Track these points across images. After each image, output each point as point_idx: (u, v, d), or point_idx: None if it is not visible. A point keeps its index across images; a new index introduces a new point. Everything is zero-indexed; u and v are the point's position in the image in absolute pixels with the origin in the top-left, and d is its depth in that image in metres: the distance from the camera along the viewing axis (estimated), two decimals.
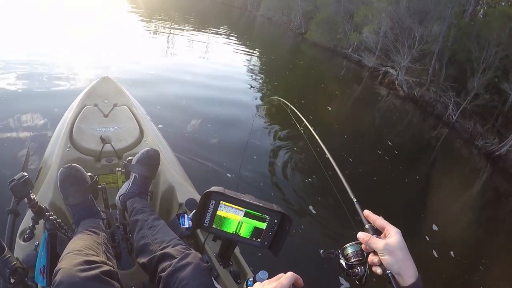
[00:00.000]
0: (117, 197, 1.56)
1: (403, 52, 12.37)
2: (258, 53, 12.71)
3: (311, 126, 1.43)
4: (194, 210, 1.43)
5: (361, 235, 0.71)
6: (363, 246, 0.71)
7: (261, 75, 9.19)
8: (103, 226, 1.36)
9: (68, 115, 2.21)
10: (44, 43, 6.96)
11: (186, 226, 1.41)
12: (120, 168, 1.74)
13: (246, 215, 1.03)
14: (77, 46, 7.40)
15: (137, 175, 1.53)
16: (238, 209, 1.02)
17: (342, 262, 0.74)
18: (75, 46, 7.38)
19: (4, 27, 7.59)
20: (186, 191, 1.66)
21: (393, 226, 0.69)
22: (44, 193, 1.49)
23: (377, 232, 0.71)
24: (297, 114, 1.72)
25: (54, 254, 1.14)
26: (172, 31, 13.27)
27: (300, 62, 14.28)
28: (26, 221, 1.30)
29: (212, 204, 1.02)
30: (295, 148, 4.50)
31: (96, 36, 9.28)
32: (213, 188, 1.02)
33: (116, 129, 2.07)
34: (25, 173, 1.07)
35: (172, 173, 1.80)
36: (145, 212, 1.37)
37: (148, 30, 12.42)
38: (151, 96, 5.03)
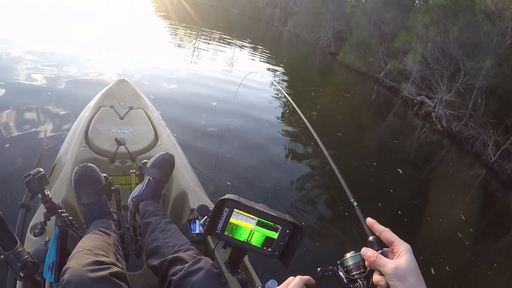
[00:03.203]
0: (129, 199, 1.66)
1: (445, 85, 12.23)
2: (286, 72, 12.93)
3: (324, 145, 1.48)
4: (206, 217, 1.52)
5: (365, 252, 0.65)
6: (366, 263, 0.66)
7: (287, 93, 9.31)
8: (114, 227, 1.44)
9: (84, 115, 2.37)
10: (67, 42, 7.51)
11: (197, 232, 1.49)
12: (134, 170, 1.84)
13: (259, 224, 1.08)
14: (100, 48, 7.94)
15: (151, 178, 1.62)
16: (251, 217, 1.08)
17: (342, 274, 0.69)
18: (98, 47, 7.93)
19: (32, 26, 8.19)
20: (198, 197, 1.77)
21: (403, 242, 0.64)
22: (57, 190, 1.59)
23: (383, 246, 0.66)
24: (309, 129, 1.78)
25: (63, 251, 1.21)
26: (197, 40, 13.96)
27: (329, 83, 14.46)
28: (38, 216, 1.39)
29: (225, 211, 1.08)
30: (309, 167, 4.59)
31: (122, 39, 10.02)
32: (228, 196, 1.08)
33: (131, 131, 2.20)
34: (41, 169, 1.15)
35: (185, 179, 1.91)
36: (157, 215, 1.45)
37: (174, 38, 13.17)
38: (169, 102, 5.29)
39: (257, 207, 1.08)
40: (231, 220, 1.08)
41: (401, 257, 0.61)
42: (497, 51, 10.87)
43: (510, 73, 10.97)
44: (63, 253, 1.20)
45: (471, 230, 4.99)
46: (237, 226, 1.09)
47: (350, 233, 3.09)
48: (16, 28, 7.63)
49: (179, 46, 11.66)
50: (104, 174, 1.53)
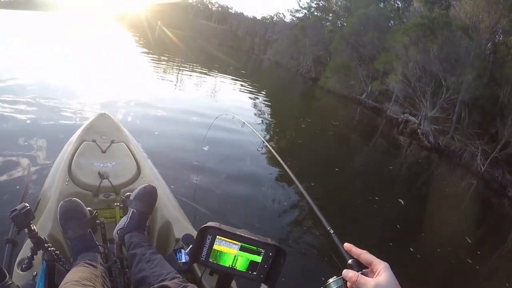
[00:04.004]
0: (115, 232, 1.68)
1: (428, 101, 12.65)
2: (270, 101, 13.15)
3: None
4: (191, 245, 1.55)
5: (347, 273, 0.69)
6: (348, 284, 0.70)
7: (270, 120, 9.58)
8: (101, 260, 1.46)
9: (67, 149, 2.41)
10: (48, 75, 7.62)
11: (183, 261, 1.53)
12: (118, 203, 1.88)
13: (242, 249, 1.12)
14: (81, 81, 8.04)
15: (135, 210, 1.66)
16: (233, 243, 1.12)
17: None
18: (79, 80, 8.04)
19: (13, 57, 8.31)
20: (182, 227, 1.82)
21: (381, 261, 0.68)
22: (43, 225, 1.61)
23: (363, 267, 0.70)
24: (276, 157, 1.89)
25: (52, 285, 1.23)
26: (178, 72, 14.21)
27: (315, 110, 14.80)
28: (25, 251, 1.41)
29: (208, 239, 1.12)
30: (289, 197, 4.67)
31: (103, 72, 10.09)
32: (210, 223, 1.12)
33: (114, 165, 2.24)
34: (26, 204, 1.19)
35: (169, 209, 1.97)
36: (143, 246, 1.49)
37: (155, 70, 13.38)
38: (151, 134, 5.34)
39: (238, 233, 1.11)
40: (215, 247, 1.11)
41: (380, 275, 0.65)
42: (476, 64, 11.42)
43: (489, 83, 11.48)
44: (52, 287, 1.21)
45: (469, 241, 5.08)
46: (221, 252, 1.12)
47: (330, 258, 3.17)
48: None
49: (160, 79, 11.79)
50: (89, 208, 1.56)
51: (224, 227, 1.11)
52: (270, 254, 1.13)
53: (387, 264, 0.67)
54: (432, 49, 12.08)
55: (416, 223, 5.12)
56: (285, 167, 1.70)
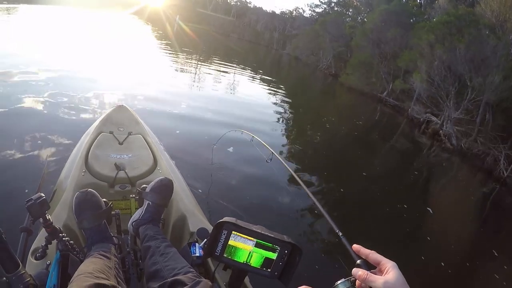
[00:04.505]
0: (129, 223, 1.70)
1: (452, 102, 12.29)
2: (288, 94, 13.16)
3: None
4: (205, 239, 1.56)
5: (356, 272, 0.71)
6: (357, 283, 0.72)
7: (291, 119, 9.58)
8: (115, 251, 1.47)
9: (84, 140, 2.46)
10: (68, 67, 7.78)
11: (197, 254, 1.53)
12: (133, 195, 1.90)
13: (257, 245, 1.11)
14: (101, 73, 8.24)
15: (150, 203, 1.68)
16: (249, 239, 1.11)
17: None
18: (98, 72, 8.21)
19: (34, 49, 8.60)
20: (197, 220, 1.82)
21: (389, 260, 0.70)
22: (58, 215, 1.64)
23: (371, 267, 0.72)
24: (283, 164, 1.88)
25: (65, 274, 1.25)
26: (197, 66, 14.37)
27: (333, 106, 14.68)
28: (39, 240, 1.43)
29: (224, 234, 1.11)
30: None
31: (120, 65, 10.30)
32: (226, 219, 1.11)
33: (131, 157, 2.27)
34: (42, 194, 1.20)
35: (185, 202, 1.98)
36: (157, 239, 1.50)
37: (175, 64, 13.56)
38: (168, 126, 5.45)
39: (254, 229, 1.11)
40: (230, 242, 1.11)
41: (389, 273, 0.67)
42: (503, 65, 11.02)
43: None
44: (64, 277, 1.23)
45: (490, 248, 4.94)
46: (235, 248, 1.12)
47: (338, 260, 3.17)
48: (18, 51, 7.93)
49: (179, 73, 11.94)
50: (104, 199, 1.58)
51: (240, 222, 1.11)
52: (286, 251, 1.12)
53: (395, 263, 0.69)
54: (458, 48, 11.67)
55: (434, 228, 5.01)
56: (292, 172, 1.67)
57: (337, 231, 0.85)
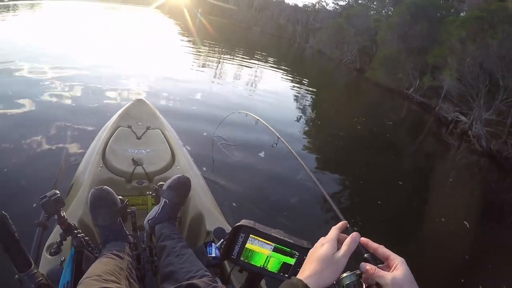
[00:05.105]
0: (145, 221, 1.70)
1: (483, 101, 11.83)
2: (313, 90, 12.98)
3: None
4: (222, 240, 1.53)
5: (364, 266, 0.70)
6: (363, 277, 0.70)
7: (313, 114, 9.50)
8: (129, 250, 1.47)
9: (102, 135, 2.48)
10: (91, 60, 8.04)
11: (213, 255, 1.50)
12: (150, 192, 1.89)
13: (275, 250, 1.08)
14: (122, 67, 8.41)
15: (167, 201, 1.66)
16: (267, 243, 1.08)
17: None
18: (118, 66, 8.42)
19: (56, 44, 8.83)
20: (214, 219, 1.80)
21: (397, 256, 0.69)
22: (74, 210, 1.66)
23: (379, 262, 0.71)
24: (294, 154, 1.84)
25: (79, 271, 1.26)
26: (219, 60, 14.49)
27: (361, 103, 14.48)
28: (54, 236, 1.44)
29: (241, 237, 1.09)
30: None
31: (141, 58, 10.52)
32: (244, 222, 1.09)
33: (148, 152, 2.27)
34: (57, 191, 1.21)
35: (202, 200, 1.95)
36: (173, 239, 1.48)
37: (196, 57, 13.73)
38: (187, 120, 5.46)
39: (273, 234, 1.08)
40: (247, 245, 1.09)
41: (397, 269, 0.66)
42: None
43: None
44: (78, 274, 1.23)
45: None
46: (253, 251, 1.09)
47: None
48: (43, 45, 8.16)
49: (200, 67, 12.04)
50: (120, 197, 1.58)
51: (258, 226, 1.09)
52: (305, 257, 1.09)
53: (403, 259, 0.68)
54: (491, 45, 11.21)
55: (459, 235, 4.86)
56: (304, 165, 1.62)
57: (341, 216, 0.81)
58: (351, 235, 0.72)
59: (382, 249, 0.71)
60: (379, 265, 0.70)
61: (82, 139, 3.92)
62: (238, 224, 1.08)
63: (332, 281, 0.68)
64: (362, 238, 0.74)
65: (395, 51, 19.48)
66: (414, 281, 0.66)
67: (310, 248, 1.07)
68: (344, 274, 0.72)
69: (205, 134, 5.14)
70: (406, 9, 19.08)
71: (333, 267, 0.69)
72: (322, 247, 0.72)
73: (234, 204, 3.54)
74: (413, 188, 6.09)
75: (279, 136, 3.11)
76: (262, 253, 1.09)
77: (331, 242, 0.72)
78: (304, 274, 0.70)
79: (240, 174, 4.34)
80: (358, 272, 0.71)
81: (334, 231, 0.74)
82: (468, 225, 5.02)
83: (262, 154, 5.08)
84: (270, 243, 1.08)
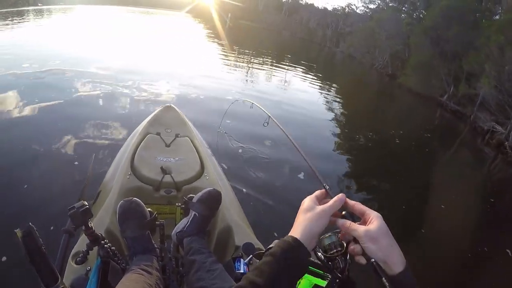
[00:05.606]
0: (173, 233, 1.68)
1: None
2: (343, 96, 12.77)
3: None
4: (251, 255, 1.50)
5: (340, 222, 0.72)
6: (340, 235, 0.74)
7: (345, 123, 9.36)
8: (157, 264, 1.47)
9: (131, 141, 2.51)
10: (119, 67, 8.23)
11: (242, 271, 1.47)
12: (179, 204, 1.87)
13: (308, 271, 1.06)
14: (153, 72, 8.60)
15: (196, 214, 1.64)
16: None
17: (320, 255, 0.77)
18: (151, 71, 8.61)
19: (88, 49, 9.09)
20: (243, 234, 1.76)
21: (373, 211, 0.71)
22: (102, 218, 1.68)
23: (356, 219, 0.73)
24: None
25: (104, 282, 1.27)
26: (249, 64, 14.61)
27: (395, 113, 14.12)
28: (80, 244, 1.47)
29: None
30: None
31: (171, 62, 10.78)
32: None
33: (177, 160, 2.27)
34: (85, 202, 1.22)
35: (231, 213, 1.91)
36: (203, 253, 1.46)
37: (226, 62, 13.88)
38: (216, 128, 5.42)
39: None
40: None
41: (372, 223, 0.68)
42: None
43: None
44: (104, 284, 1.25)
45: None
46: None
47: None
48: (77, 48, 8.44)
49: (230, 71, 12.14)
50: (149, 209, 1.58)
51: None
52: (337, 281, 1.07)
53: (379, 214, 0.70)
54: None
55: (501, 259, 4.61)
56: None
57: (324, 184, 0.83)
58: (338, 195, 0.74)
59: (358, 206, 0.73)
60: (357, 222, 0.72)
61: (111, 144, 4.02)
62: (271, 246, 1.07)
63: (318, 230, 0.71)
64: (340, 195, 0.76)
65: (428, 56, 18.88)
66: (390, 234, 0.68)
67: (343, 272, 1.05)
68: (326, 235, 0.76)
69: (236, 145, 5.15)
70: (439, 11, 18.43)
71: (316, 217, 0.71)
72: (303, 203, 0.75)
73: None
74: (445, 201, 5.86)
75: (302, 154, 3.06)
76: None
77: (310, 197, 0.76)
78: (293, 230, 0.72)
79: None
80: (338, 231, 0.75)
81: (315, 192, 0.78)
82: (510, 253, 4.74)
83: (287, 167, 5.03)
84: None
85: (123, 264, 1.42)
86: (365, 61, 30.68)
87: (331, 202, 0.72)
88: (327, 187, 0.83)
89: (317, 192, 0.78)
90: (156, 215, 1.58)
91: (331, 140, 7.26)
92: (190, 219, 1.64)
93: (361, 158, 6.71)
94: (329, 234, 0.76)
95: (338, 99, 12.15)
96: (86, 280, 1.26)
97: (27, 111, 4.73)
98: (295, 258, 0.67)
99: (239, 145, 5.12)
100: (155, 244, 1.56)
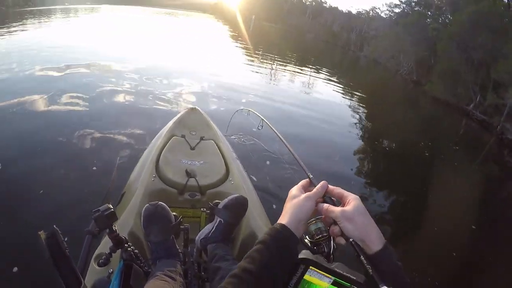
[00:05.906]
0: (197, 238, 1.67)
1: None
2: (366, 104, 12.55)
3: None
4: None
5: (319, 206, 0.76)
6: (323, 218, 0.77)
7: (365, 130, 9.24)
8: (180, 270, 1.46)
9: (156, 143, 2.51)
10: (151, 67, 8.37)
11: None
12: (204, 209, 1.85)
13: (334, 283, 1.05)
14: (177, 73, 8.68)
15: (222, 220, 1.61)
16: (327, 276, 1.05)
17: (307, 240, 0.80)
18: (175, 72, 8.68)
19: (110, 50, 9.19)
20: None
21: (351, 193, 0.74)
22: (125, 221, 1.68)
23: (337, 203, 0.77)
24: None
25: (126, 285, 1.26)
26: (273, 66, 14.67)
27: (410, 114, 13.86)
28: (103, 246, 1.47)
29: (301, 268, 1.06)
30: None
31: (198, 64, 10.86)
32: (305, 255, 1.06)
33: (202, 164, 2.25)
34: (110, 205, 1.22)
35: (256, 219, 1.88)
36: (227, 260, 1.45)
37: (250, 64, 14.04)
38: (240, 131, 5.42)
39: (334, 268, 1.06)
40: (306, 277, 1.07)
41: (349, 204, 0.72)
42: None
43: None
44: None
45: None
46: (310, 283, 1.07)
47: None
48: (103, 47, 8.58)
49: (254, 73, 12.18)
50: (174, 213, 1.57)
51: (320, 259, 1.07)
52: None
53: (357, 196, 0.73)
54: None
55: None
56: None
57: (308, 173, 0.89)
58: (320, 182, 0.78)
59: (337, 190, 0.77)
60: (339, 206, 0.75)
61: (135, 146, 4.05)
62: (299, 257, 1.06)
63: (304, 216, 0.75)
64: (322, 182, 0.79)
65: (455, 63, 18.37)
66: (367, 214, 0.71)
67: (328, 256, 1.04)
68: (309, 221, 0.80)
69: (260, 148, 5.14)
70: (466, 16, 17.91)
71: (301, 203, 0.75)
72: (290, 192, 0.79)
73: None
74: (469, 215, 5.68)
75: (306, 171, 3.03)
76: (320, 285, 1.07)
77: (296, 186, 0.80)
78: (281, 218, 0.76)
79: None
80: (320, 216, 0.78)
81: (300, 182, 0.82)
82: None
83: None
84: (330, 276, 1.06)
85: (146, 268, 1.42)
86: (389, 66, 30.22)
87: (314, 189, 0.77)
88: (311, 176, 0.87)
89: (303, 182, 0.83)
90: (181, 219, 1.57)
91: (352, 148, 7.15)
92: (215, 226, 1.62)
93: (384, 165, 6.59)
94: (314, 220, 0.80)
95: (362, 105, 11.94)
96: (108, 283, 1.26)
97: (53, 110, 4.85)
98: (285, 243, 0.75)
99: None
100: (178, 249, 1.55)
